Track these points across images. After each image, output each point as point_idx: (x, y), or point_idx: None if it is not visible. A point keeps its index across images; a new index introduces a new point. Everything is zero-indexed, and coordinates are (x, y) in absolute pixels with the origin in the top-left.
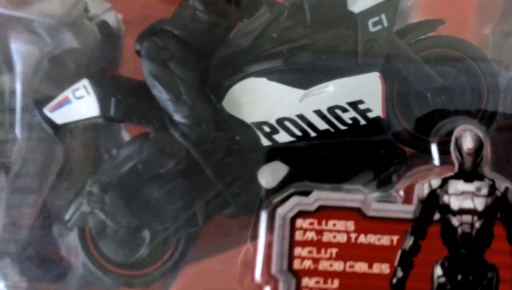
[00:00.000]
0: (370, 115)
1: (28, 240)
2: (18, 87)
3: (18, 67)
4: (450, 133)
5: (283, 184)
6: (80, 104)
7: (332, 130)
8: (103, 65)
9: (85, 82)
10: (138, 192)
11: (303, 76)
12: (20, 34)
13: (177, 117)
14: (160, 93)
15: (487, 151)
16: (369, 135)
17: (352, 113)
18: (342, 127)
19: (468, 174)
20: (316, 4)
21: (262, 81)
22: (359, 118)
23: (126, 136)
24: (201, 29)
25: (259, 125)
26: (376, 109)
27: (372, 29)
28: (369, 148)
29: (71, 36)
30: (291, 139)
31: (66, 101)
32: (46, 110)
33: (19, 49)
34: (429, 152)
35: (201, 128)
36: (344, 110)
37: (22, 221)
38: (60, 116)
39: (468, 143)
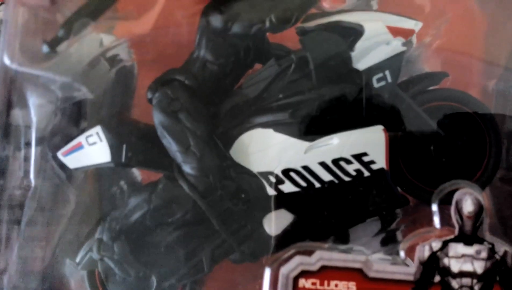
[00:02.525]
0: (374, 167)
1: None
2: (33, 137)
3: (34, 118)
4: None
5: (288, 232)
6: (92, 150)
7: (336, 181)
8: (116, 110)
9: (98, 128)
10: (146, 240)
11: (308, 128)
12: (36, 89)
13: (186, 168)
14: (170, 144)
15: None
16: (373, 186)
17: (356, 165)
18: (346, 179)
19: (468, 237)
20: (321, 62)
21: (269, 132)
22: (363, 170)
23: (137, 174)
24: (211, 79)
25: (265, 175)
26: (380, 161)
27: (376, 85)
28: (373, 197)
29: (84, 89)
30: (296, 189)
31: (79, 147)
32: (60, 154)
33: (35, 102)
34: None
35: (209, 179)
36: (349, 162)
37: (33, 269)
38: (73, 161)
39: (468, 207)
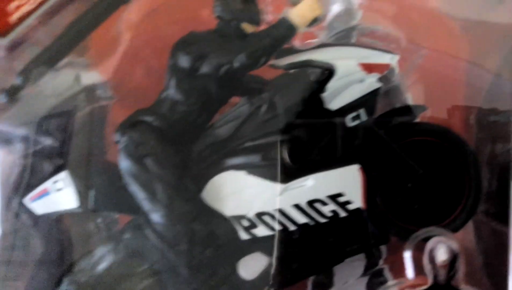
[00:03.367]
0: (350, 207)
1: None
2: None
3: None
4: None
5: (264, 275)
6: (59, 195)
7: (311, 223)
8: (84, 154)
9: (64, 174)
10: None
11: (281, 170)
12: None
13: (153, 217)
14: (136, 192)
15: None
16: (349, 226)
17: (332, 206)
18: (322, 220)
19: (442, 287)
20: (291, 105)
21: (241, 175)
22: (339, 211)
23: None
24: (181, 120)
25: (238, 219)
26: (356, 201)
27: (350, 124)
28: (350, 238)
29: (48, 140)
30: (270, 233)
31: (46, 193)
32: (27, 200)
33: None
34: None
35: (177, 228)
36: (324, 203)
37: None
38: (40, 207)
39: (441, 255)
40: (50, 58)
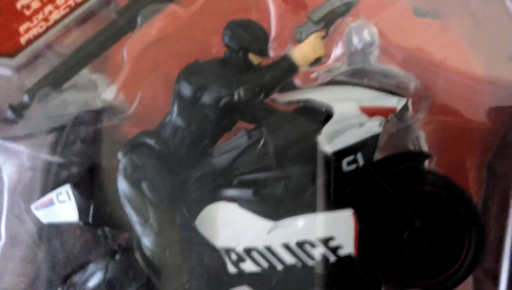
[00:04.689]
0: (341, 252)
1: None
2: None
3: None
4: None
5: None
6: (62, 207)
7: (299, 265)
8: (88, 169)
9: (67, 187)
10: None
11: (273, 208)
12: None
13: (144, 241)
14: (130, 214)
15: None
16: (339, 272)
17: (321, 249)
18: (311, 263)
19: None
20: (284, 144)
21: (233, 207)
22: (329, 255)
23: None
24: (182, 146)
25: (228, 251)
26: (348, 247)
27: (346, 168)
28: (341, 284)
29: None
30: (258, 269)
31: (50, 203)
32: (33, 208)
33: (6, 168)
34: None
35: (165, 255)
36: (314, 245)
37: None
38: (45, 216)
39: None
40: (55, 80)
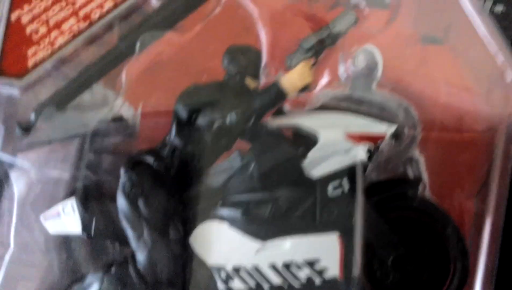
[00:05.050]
0: (326, 275)
1: None
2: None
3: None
4: None
5: None
6: (67, 220)
7: (286, 286)
8: (93, 184)
9: (72, 200)
10: None
11: (261, 228)
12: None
13: (138, 256)
14: (126, 229)
15: None
16: None
17: (307, 272)
18: (297, 284)
19: None
20: (269, 168)
21: (224, 226)
22: (314, 278)
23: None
24: (179, 165)
25: (218, 269)
26: (333, 269)
27: (331, 193)
28: None
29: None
30: (245, 288)
31: (57, 215)
32: (42, 218)
33: (16, 181)
34: None
35: (156, 272)
36: (300, 267)
37: None
38: (52, 227)
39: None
40: (59, 100)
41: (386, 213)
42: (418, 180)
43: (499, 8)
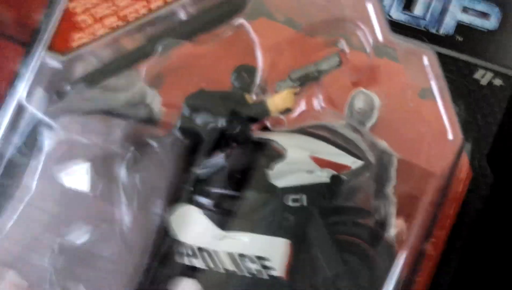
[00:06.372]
0: (273, 273)
1: None
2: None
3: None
4: None
5: None
6: (80, 179)
7: (238, 273)
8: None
9: (88, 164)
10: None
11: (226, 220)
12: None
13: (125, 219)
14: (119, 195)
15: None
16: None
17: (257, 266)
18: (247, 275)
19: None
20: (236, 170)
21: (198, 212)
22: (263, 272)
23: None
24: (178, 154)
25: (186, 246)
26: (280, 270)
27: (291, 203)
28: None
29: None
30: (204, 267)
31: (73, 172)
32: (62, 172)
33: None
34: None
35: (140, 233)
36: (252, 261)
37: None
38: (68, 181)
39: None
40: (90, 80)
41: (338, 233)
42: (366, 212)
43: (499, 81)
